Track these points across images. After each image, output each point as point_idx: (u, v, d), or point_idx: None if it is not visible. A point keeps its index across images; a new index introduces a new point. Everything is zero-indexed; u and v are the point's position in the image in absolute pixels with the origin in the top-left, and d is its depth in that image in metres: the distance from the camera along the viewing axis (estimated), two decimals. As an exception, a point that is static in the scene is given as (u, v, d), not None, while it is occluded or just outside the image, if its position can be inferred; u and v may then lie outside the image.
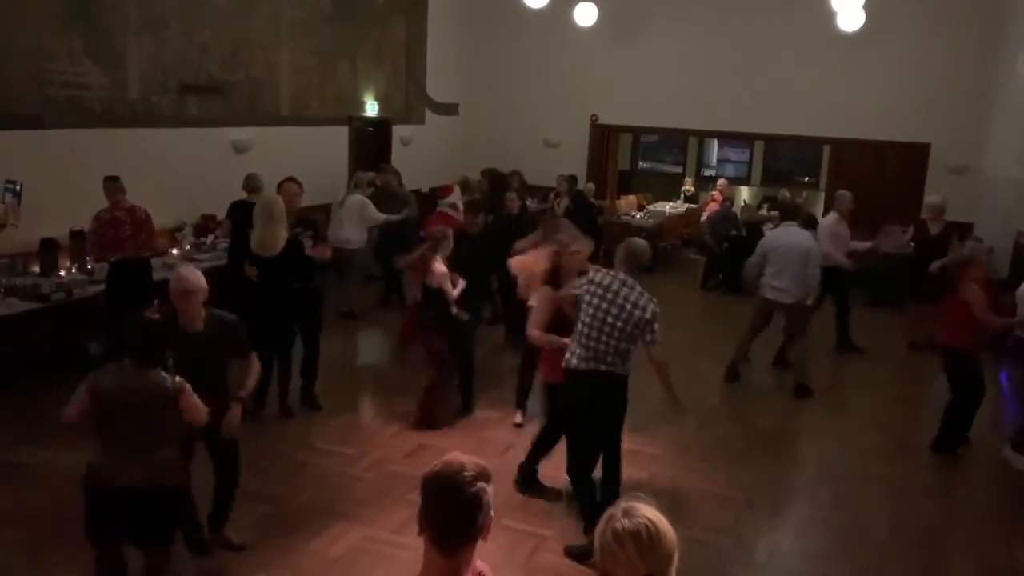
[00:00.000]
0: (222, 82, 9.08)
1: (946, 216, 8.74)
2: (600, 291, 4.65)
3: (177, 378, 3.64)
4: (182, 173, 8.16)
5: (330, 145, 10.83)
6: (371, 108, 11.78)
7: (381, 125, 12.04)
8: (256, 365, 4.53)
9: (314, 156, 10.01)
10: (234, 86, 9.27)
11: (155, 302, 5.66)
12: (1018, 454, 6.17)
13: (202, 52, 8.78)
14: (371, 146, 11.76)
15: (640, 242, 4.98)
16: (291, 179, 7.14)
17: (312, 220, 6.94)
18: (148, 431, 3.59)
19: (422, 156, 12.58)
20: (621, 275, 4.71)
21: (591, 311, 4.64)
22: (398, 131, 12.34)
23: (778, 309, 7.56)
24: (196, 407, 3.69)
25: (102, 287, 6.93)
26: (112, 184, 6.85)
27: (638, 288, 4.68)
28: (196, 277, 4.16)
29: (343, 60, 11.08)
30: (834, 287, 8.60)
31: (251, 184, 7.92)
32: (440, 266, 6.37)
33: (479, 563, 2.15)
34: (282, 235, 6.00)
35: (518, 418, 6.51)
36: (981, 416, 6.41)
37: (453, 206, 8.45)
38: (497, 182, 10.54)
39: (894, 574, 4.69)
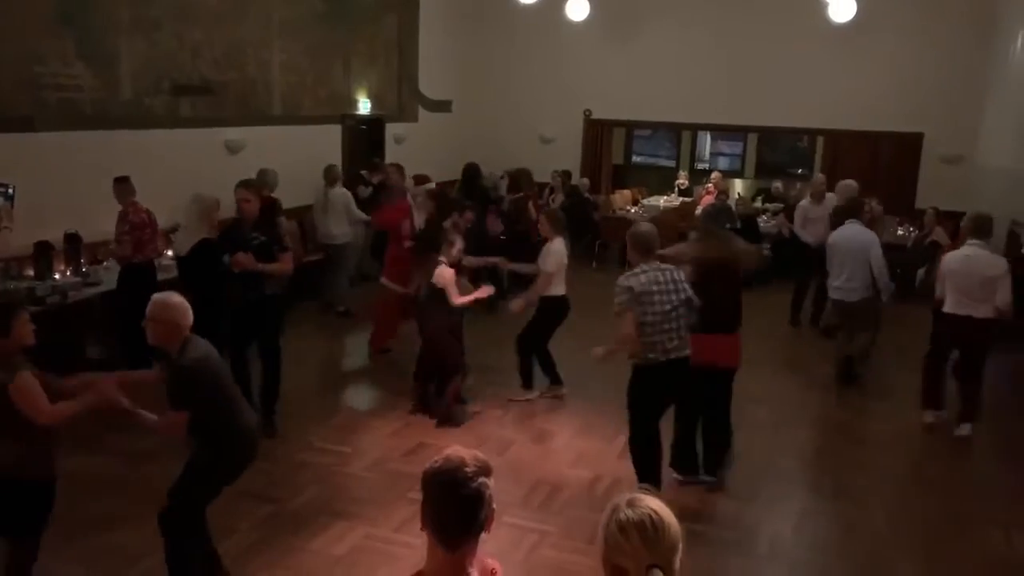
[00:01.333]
0: (214, 82, 9.04)
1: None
2: (661, 284, 4.83)
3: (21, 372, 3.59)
4: (175, 174, 8.12)
5: (323, 144, 10.80)
6: (364, 106, 11.75)
7: (374, 123, 12.02)
8: None
9: (307, 155, 9.98)
10: (226, 86, 9.23)
11: None
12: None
13: (194, 53, 8.74)
14: (364, 144, 11.74)
15: (643, 226, 5.09)
16: (244, 183, 6.23)
17: (272, 224, 6.37)
18: None
19: (416, 154, 12.53)
20: (656, 263, 4.91)
21: (666, 305, 4.81)
22: (391, 129, 12.32)
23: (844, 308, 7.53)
24: (32, 403, 3.59)
25: (98, 289, 6.91)
26: (124, 186, 6.90)
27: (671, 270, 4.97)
28: None
29: (335, 58, 11.05)
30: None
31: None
32: (446, 269, 6.31)
33: (489, 561, 2.15)
34: (191, 236, 6.13)
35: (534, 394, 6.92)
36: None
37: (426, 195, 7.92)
38: (471, 172, 10.49)
39: (895, 564, 4.71)
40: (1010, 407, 7.12)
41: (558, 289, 6.73)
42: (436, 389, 6.48)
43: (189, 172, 8.34)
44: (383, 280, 7.83)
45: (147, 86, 8.22)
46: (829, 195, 9.26)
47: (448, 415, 6.37)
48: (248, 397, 5.55)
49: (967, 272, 6.17)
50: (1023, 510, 5.38)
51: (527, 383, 6.95)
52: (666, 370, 4.87)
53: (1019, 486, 5.75)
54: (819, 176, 10.02)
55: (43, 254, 6.94)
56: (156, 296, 3.93)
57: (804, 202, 9.59)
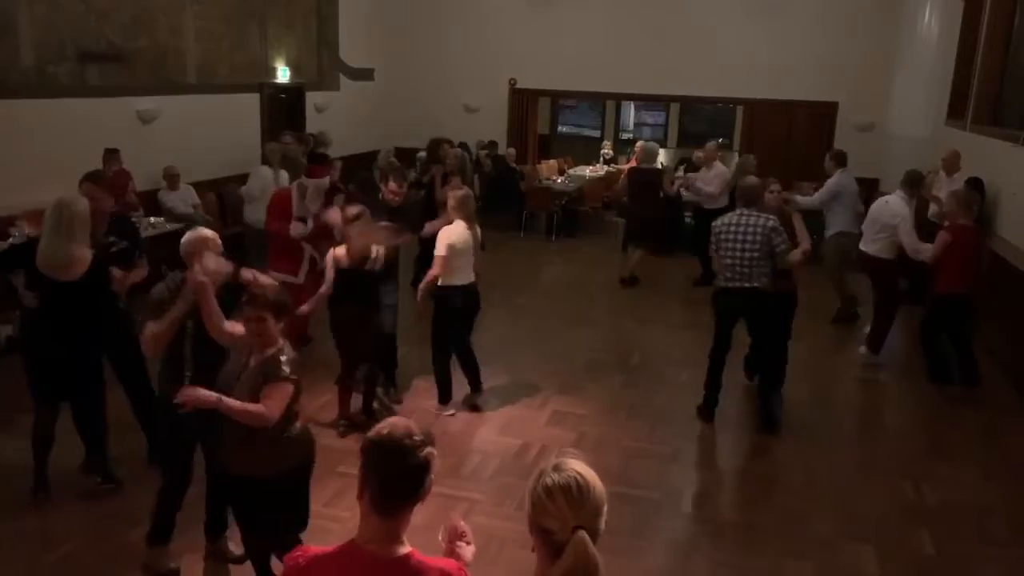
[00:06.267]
0: (124, 49, 8.67)
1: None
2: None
3: None
4: (85, 145, 7.79)
5: (241, 113, 10.51)
6: (283, 74, 11.46)
7: (294, 92, 11.73)
8: None
9: (224, 125, 9.71)
10: (137, 53, 8.87)
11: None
12: (870, 351, 7.47)
13: (100, 17, 8.36)
14: (284, 114, 11.46)
15: None
16: (92, 177, 5.04)
17: (130, 226, 5.28)
18: None
19: (338, 123, 12.32)
20: None
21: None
22: (312, 98, 12.06)
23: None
24: None
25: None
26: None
27: None
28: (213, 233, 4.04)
29: (252, 25, 10.72)
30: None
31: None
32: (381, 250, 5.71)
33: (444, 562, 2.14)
34: (79, 254, 4.39)
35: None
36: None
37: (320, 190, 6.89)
38: (432, 147, 10.24)
39: (813, 518, 4.90)
40: (923, 368, 7.44)
41: (455, 278, 5.93)
42: (367, 387, 5.91)
43: (100, 143, 8.03)
44: (272, 275, 7.06)
45: (50, 53, 7.83)
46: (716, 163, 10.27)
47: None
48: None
49: (874, 216, 7.27)
50: (932, 463, 5.67)
51: (443, 396, 6.17)
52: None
53: (929, 441, 6.05)
54: (710, 144, 10.62)
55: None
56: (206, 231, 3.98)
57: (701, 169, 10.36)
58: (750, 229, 5.75)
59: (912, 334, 7.98)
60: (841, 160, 8.70)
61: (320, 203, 6.78)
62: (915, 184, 7.49)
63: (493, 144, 12.90)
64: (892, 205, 7.29)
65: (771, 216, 5.84)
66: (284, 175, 8.87)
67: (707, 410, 6.16)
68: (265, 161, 9.28)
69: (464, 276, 5.93)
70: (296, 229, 6.66)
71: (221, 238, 4.15)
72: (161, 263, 5.42)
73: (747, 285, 5.78)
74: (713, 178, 10.06)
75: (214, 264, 3.92)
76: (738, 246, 5.76)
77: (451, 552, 2.23)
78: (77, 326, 4.49)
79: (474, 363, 6.24)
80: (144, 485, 4.75)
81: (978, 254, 6.63)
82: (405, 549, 2.04)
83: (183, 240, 4.02)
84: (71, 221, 4.33)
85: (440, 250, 5.78)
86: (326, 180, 6.91)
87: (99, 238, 4.72)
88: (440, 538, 2.30)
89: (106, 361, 4.90)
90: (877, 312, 7.59)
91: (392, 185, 6.72)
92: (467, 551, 2.26)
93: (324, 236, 6.65)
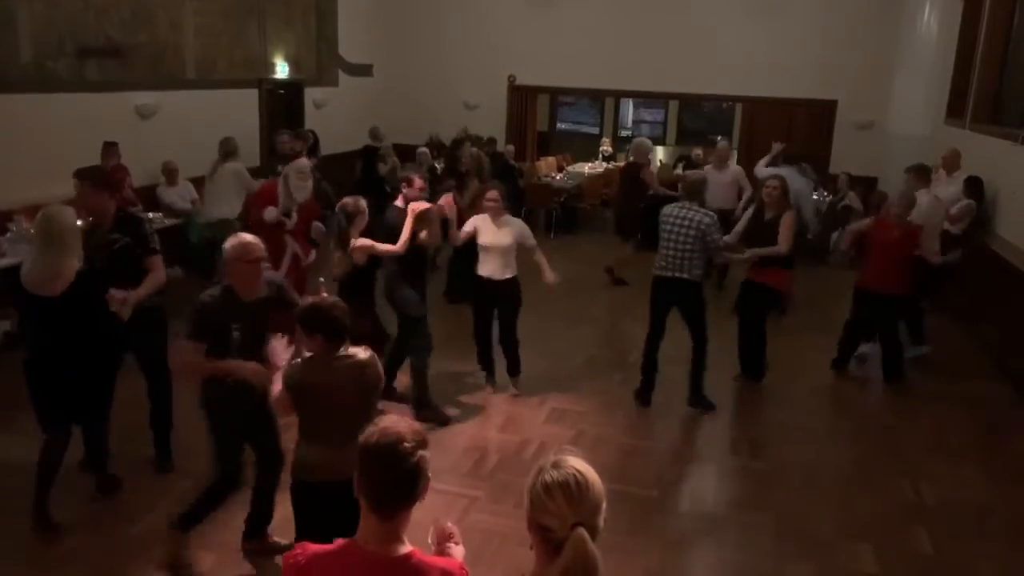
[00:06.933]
0: (123, 44, 8.65)
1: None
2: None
3: None
4: (83, 141, 7.77)
5: (240, 109, 10.49)
6: (282, 70, 11.44)
7: (293, 88, 11.71)
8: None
9: (223, 121, 9.67)
10: (136, 49, 8.85)
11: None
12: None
13: (99, 13, 8.33)
14: (283, 109, 11.44)
15: None
16: (83, 174, 4.86)
17: (134, 221, 4.91)
18: None
19: (337, 119, 12.31)
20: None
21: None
22: (310, 94, 12.04)
23: None
24: None
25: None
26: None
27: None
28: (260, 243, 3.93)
29: (251, 20, 10.69)
30: None
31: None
32: (363, 241, 5.69)
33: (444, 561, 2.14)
34: (67, 267, 4.12)
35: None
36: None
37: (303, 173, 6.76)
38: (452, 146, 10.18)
39: (809, 516, 4.90)
40: (923, 366, 7.43)
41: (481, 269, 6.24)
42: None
43: (98, 138, 8.01)
44: None
45: (49, 48, 7.81)
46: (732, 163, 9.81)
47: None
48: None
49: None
50: (930, 462, 5.67)
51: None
52: None
53: (927, 440, 6.04)
54: (722, 143, 10.26)
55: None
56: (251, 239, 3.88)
57: (708, 168, 9.68)
58: (687, 223, 5.91)
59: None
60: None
61: (308, 192, 6.68)
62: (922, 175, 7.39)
63: (492, 141, 12.87)
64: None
65: (710, 212, 6.05)
66: (225, 168, 8.66)
67: (644, 395, 6.37)
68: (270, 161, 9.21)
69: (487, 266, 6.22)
70: (268, 214, 6.49)
71: None
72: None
73: (677, 275, 6.00)
74: (728, 185, 9.57)
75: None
76: (674, 237, 5.96)
77: (441, 554, 2.22)
78: (68, 346, 4.25)
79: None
80: (145, 481, 4.77)
81: (903, 254, 6.53)
82: (406, 548, 2.04)
83: (227, 246, 3.88)
84: (62, 235, 4.11)
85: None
86: (304, 161, 6.85)
87: (104, 236, 4.62)
88: (429, 540, 2.29)
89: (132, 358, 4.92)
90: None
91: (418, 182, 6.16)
92: (456, 552, 2.25)
93: (305, 230, 6.72)
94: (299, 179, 6.62)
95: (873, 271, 6.71)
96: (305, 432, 3.36)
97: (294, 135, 9.33)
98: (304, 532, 3.23)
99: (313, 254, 6.98)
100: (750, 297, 6.64)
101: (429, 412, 5.80)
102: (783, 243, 6.28)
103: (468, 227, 6.20)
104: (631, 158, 10.16)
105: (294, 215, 6.63)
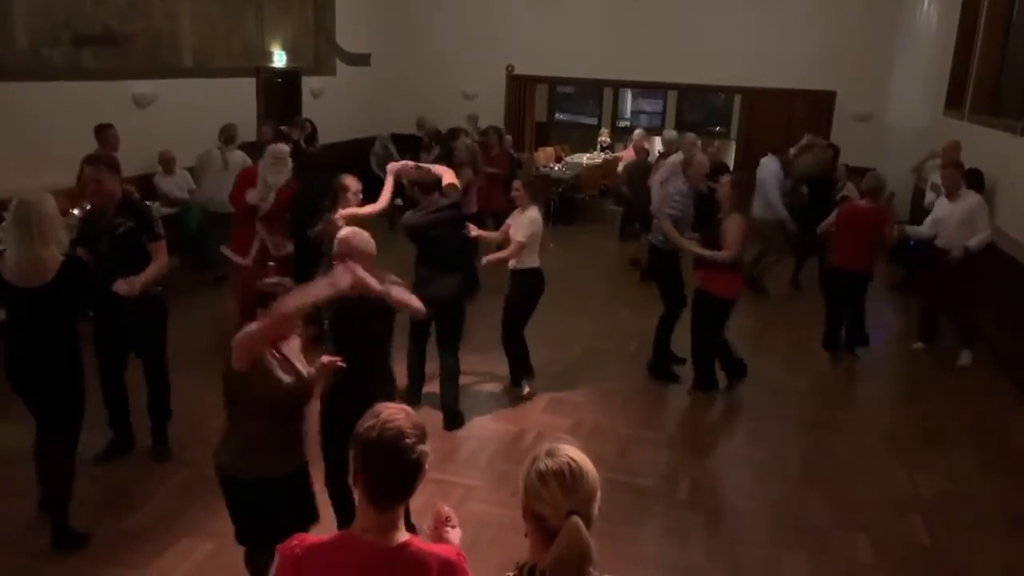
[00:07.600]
0: (119, 32, 8.60)
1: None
2: None
3: None
4: (81, 129, 7.73)
5: (237, 98, 10.44)
6: (279, 59, 11.39)
7: (290, 76, 11.67)
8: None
9: (220, 110, 9.62)
10: (133, 37, 8.80)
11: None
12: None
13: (96, 1, 8.29)
14: (280, 98, 11.39)
15: None
16: (97, 159, 4.94)
17: (138, 207, 4.88)
18: None
19: (335, 108, 12.26)
20: None
21: None
22: (308, 82, 11.98)
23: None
24: None
25: None
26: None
27: None
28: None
29: (248, 9, 10.64)
30: None
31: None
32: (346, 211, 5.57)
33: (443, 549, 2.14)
34: (48, 257, 3.98)
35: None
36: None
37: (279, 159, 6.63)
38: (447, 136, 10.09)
39: (808, 507, 4.91)
40: (920, 357, 7.45)
41: (532, 261, 6.07)
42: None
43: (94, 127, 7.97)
44: (223, 250, 6.85)
45: (45, 36, 7.77)
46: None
47: None
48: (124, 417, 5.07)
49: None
50: (927, 453, 5.69)
51: (522, 374, 6.35)
52: None
53: (924, 430, 6.06)
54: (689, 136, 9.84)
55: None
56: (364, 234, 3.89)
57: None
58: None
59: (908, 324, 8.00)
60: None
61: (284, 176, 6.56)
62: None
63: (497, 131, 12.81)
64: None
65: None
66: (236, 156, 8.81)
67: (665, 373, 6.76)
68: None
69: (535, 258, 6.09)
70: (251, 196, 6.47)
71: None
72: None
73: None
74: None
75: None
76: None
77: (438, 538, 2.22)
78: (47, 343, 4.05)
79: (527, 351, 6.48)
80: (143, 470, 4.77)
81: (872, 234, 6.93)
82: (403, 537, 2.04)
83: (340, 237, 3.85)
84: (40, 223, 3.93)
85: (522, 236, 5.88)
86: (282, 146, 6.81)
87: (108, 219, 4.59)
88: (426, 525, 2.30)
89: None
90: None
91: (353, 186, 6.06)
92: (453, 535, 2.25)
93: (280, 219, 6.65)
94: (275, 164, 6.50)
95: (847, 250, 7.00)
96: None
97: (277, 129, 9.30)
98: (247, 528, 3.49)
99: (289, 246, 6.82)
100: (697, 301, 6.26)
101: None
102: (728, 249, 5.79)
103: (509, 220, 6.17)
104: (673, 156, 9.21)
105: (271, 197, 6.50)
